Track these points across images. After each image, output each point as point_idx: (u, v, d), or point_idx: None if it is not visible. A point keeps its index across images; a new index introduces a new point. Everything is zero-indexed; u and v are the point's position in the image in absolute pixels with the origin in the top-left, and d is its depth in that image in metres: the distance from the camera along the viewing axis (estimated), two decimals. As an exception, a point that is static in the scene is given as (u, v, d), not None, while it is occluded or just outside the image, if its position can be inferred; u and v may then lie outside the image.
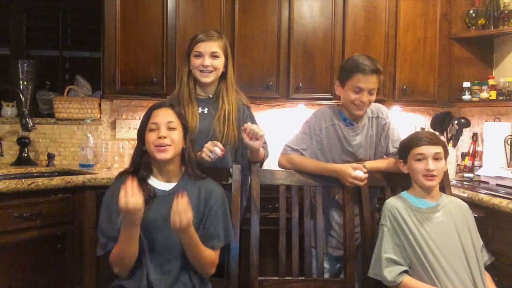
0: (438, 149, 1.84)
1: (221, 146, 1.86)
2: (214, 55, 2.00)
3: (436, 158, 1.84)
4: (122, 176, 1.76)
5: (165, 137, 1.67)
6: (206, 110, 2.04)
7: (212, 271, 1.72)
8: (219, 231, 1.72)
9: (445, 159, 1.89)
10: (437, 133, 2.40)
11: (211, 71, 2.01)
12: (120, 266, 1.64)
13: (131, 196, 1.49)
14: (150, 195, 1.67)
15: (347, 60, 2.14)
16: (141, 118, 1.76)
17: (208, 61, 1.99)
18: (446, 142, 2.89)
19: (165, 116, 1.71)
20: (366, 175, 1.98)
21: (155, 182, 1.73)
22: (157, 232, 1.64)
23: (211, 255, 1.69)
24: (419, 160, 1.85)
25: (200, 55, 1.99)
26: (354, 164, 2.00)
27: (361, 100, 2.02)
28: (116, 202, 1.65)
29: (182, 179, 1.75)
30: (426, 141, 1.84)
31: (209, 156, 1.84)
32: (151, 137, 1.69)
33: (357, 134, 2.11)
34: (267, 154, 2.11)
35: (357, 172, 1.96)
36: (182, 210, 1.52)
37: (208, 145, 1.86)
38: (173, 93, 2.12)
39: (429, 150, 1.83)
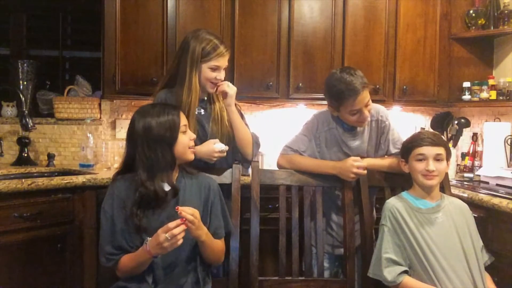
0: (440, 150, 1.84)
1: (224, 145, 1.94)
2: (225, 69, 2.01)
3: (437, 159, 1.83)
4: (117, 180, 1.75)
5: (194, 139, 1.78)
6: (202, 111, 2.04)
7: (222, 259, 1.81)
8: (222, 221, 1.80)
9: (448, 160, 1.88)
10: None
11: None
12: (128, 274, 1.67)
13: (175, 243, 1.52)
14: (164, 194, 1.68)
15: (331, 84, 1.98)
16: (161, 122, 1.67)
17: (223, 75, 1.99)
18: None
19: (185, 118, 1.78)
20: (365, 164, 2.00)
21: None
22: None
23: (221, 244, 1.78)
24: (420, 160, 1.85)
25: (217, 69, 1.97)
26: (352, 157, 2.02)
27: (361, 119, 2.01)
28: (117, 208, 1.67)
29: (179, 177, 1.77)
30: (428, 142, 1.84)
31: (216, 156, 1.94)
32: (185, 139, 1.73)
33: (357, 139, 2.10)
34: (258, 140, 2.10)
35: (357, 163, 1.99)
36: (191, 209, 1.56)
37: (216, 152, 1.93)
38: (173, 93, 2.00)
39: (430, 151, 1.83)
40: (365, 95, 1.95)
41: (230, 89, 1.98)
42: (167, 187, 1.70)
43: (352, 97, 1.92)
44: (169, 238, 1.50)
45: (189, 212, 1.55)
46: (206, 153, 1.91)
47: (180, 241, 1.53)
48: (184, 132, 1.73)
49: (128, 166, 1.74)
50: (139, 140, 1.67)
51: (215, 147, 1.91)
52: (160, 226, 1.57)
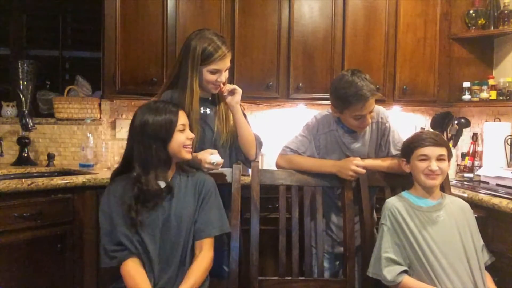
0: (442, 150, 1.84)
1: (220, 159, 1.93)
2: (226, 69, 2.00)
3: (439, 159, 1.83)
4: (114, 181, 1.76)
5: (191, 138, 1.77)
6: (208, 110, 2.05)
7: (211, 266, 1.76)
8: (212, 218, 1.76)
9: (449, 160, 1.88)
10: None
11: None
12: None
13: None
14: (159, 191, 1.69)
15: (340, 85, 1.95)
16: (158, 120, 1.68)
17: (224, 77, 1.99)
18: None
19: (186, 118, 1.78)
20: (365, 164, 2.00)
21: None
22: (165, 231, 1.68)
23: (205, 261, 1.72)
24: (423, 160, 1.85)
25: (217, 72, 1.97)
26: (352, 157, 2.03)
27: (363, 125, 2.01)
28: (114, 205, 1.68)
29: (175, 175, 1.78)
30: (431, 142, 1.83)
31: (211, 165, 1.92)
32: (181, 137, 1.72)
33: (357, 141, 2.10)
34: (260, 140, 2.11)
35: (357, 161, 1.99)
36: None
37: (208, 163, 1.91)
38: (173, 94, 2.00)
39: (433, 151, 1.82)
40: (372, 102, 1.95)
41: (238, 87, 2.01)
42: (162, 184, 1.71)
43: (360, 103, 1.91)
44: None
45: None
46: (198, 161, 1.90)
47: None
48: (182, 131, 1.73)
49: (127, 162, 1.74)
50: (136, 136, 1.69)
51: (210, 157, 1.90)
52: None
